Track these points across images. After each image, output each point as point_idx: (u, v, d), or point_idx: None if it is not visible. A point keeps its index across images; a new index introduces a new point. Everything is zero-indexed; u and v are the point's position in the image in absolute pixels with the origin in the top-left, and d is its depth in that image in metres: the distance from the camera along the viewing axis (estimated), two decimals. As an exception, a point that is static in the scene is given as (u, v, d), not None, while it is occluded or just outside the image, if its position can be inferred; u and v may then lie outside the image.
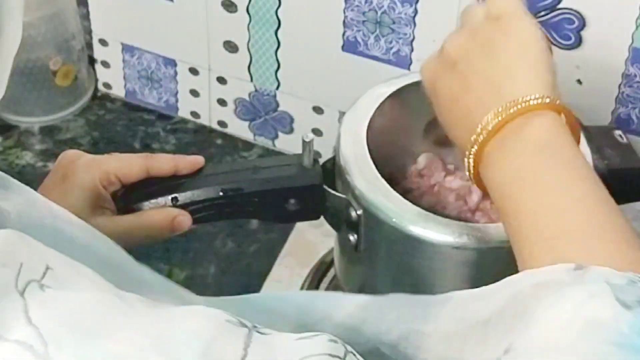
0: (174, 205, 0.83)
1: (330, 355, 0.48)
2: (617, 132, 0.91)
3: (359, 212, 0.80)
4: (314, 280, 1.02)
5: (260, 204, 0.85)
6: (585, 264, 0.57)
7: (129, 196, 0.84)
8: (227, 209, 0.84)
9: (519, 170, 0.65)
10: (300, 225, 1.12)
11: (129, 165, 0.83)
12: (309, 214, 0.86)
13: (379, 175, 0.81)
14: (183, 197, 0.83)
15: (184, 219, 0.83)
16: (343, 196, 0.82)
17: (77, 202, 0.80)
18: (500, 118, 0.66)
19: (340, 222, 0.84)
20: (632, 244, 0.60)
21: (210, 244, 1.13)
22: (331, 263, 1.02)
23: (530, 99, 0.66)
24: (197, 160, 0.85)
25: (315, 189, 0.84)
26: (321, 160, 0.86)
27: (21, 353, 0.45)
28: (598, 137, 0.87)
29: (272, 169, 0.85)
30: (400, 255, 0.82)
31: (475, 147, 0.67)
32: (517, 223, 0.64)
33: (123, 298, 0.49)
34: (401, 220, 0.78)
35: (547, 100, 0.67)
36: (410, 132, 0.91)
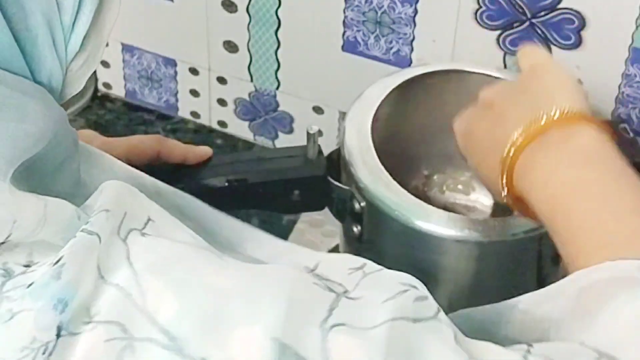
0: None
1: (393, 319, 0.49)
2: (622, 126, 0.91)
3: (363, 204, 0.81)
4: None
5: (265, 195, 0.85)
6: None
7: None
8: (231, 200, 0.85)
9: (568, 182, 0.64)
10: (300, 225, 1.12)
11: (141, 151, 0.85)
12: (313, 205, 0.87)
13: (382, 168, 0.81)
14: (189, 186, 0.83)
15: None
16: (347, 188, 0.83)
17: None
18: (541, 123, 0.66)
19: (345, 213, 0.84)
20: None
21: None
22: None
23: (571, 109, 0.66)
24: (206, 151, 0.86)
25: (319, 180, 0.84)
26: (326, 152, 0.86)
27: (120, 298, 0.48)
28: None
29: (277, 159, 0.86)
30: (403, 248, 0.82)
31: (511, 154, 0.67)
32: (570, 234, 0.63)
33: (216, 253, 0.52)
34: (404, 213, 0.79)
35: (587, 114, 0.67)
36: (415, 125, 0.92)
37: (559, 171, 0.65)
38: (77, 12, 0.52)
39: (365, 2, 1.06)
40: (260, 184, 0.84)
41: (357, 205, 0.81)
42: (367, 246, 0.85)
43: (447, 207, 0.95)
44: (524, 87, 0.71)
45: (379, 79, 0.90)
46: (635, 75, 0.99)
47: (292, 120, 1.21)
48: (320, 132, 0.85)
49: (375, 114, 0.86)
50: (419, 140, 0.93)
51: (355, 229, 0.83)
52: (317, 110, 1.18)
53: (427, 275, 0.82)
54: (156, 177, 0.83)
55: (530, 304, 0.60)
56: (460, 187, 0.97)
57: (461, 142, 0.75)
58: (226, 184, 0.84)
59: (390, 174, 0.81)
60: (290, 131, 1.22)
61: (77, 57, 0.54)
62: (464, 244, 0.78)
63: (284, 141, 1.23)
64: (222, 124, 1.26)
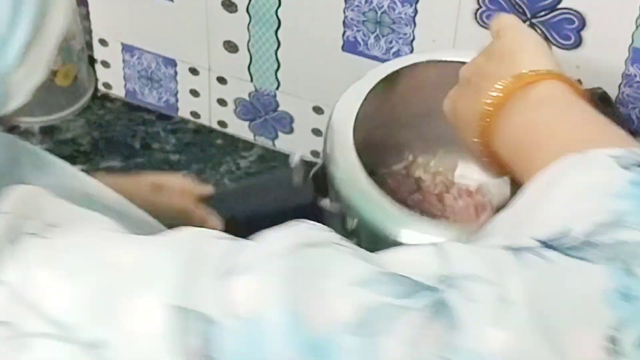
0: None
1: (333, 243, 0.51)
2: (600, 91, 0.92)
3: (355, 221, 0.80)
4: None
5: (255, 228, 0.85)
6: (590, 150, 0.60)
7: None
8: None
9: (526, 122, 0.68)
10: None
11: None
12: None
13: (371, 184, 0.80)
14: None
15: (214, 219, 0.85)
16: (337, 210, 0.82)
17: None
18: (502, 88, 0.70)
19: (337, 229, 0.84)
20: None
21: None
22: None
23: (531, 71, 0.70)
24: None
25: (309, 207, 0.84)
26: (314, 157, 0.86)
27: (7, 295, 0.47)
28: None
29: (263, 192, 0.84)
30: None
31: (482, 123, 0.71)
32: (526, 170, 0.65)
33: (122, 232, 0.51)
34: (396, 230, 0.78)
35: (549, 71, 0.70)
36: (399, 113, 0.92)
37: (517, 117, 0.69)
38: (14, 23, 0.49)
39: (365, 2, 1.06)
40: (248, 219, 0.84)
41: (350, 223, 0.81)
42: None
43: (436, 185, 0.95)
44: (491, 54, 0.76)
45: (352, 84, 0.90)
46: (635, 75, 0.99)
47: (292, 120, 1.21)
48: (302, 162, 0.84)
49: (358, 112, 0.86)
50: (402, 126, 0.94)
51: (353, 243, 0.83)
52: (317, 110, 1.18)
53: None
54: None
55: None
56: (441, 168, 0.98)
57: (450, 120, 0.78)
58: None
59: (378, 161, 0.81)
60: (290, 131, 1.22)
61: (18, 69, 0.51)
62: None
63: (284, 141, 1.23)
64: (222, 124, 1.26)
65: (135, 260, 0.48)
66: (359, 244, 0.81)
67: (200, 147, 1.25)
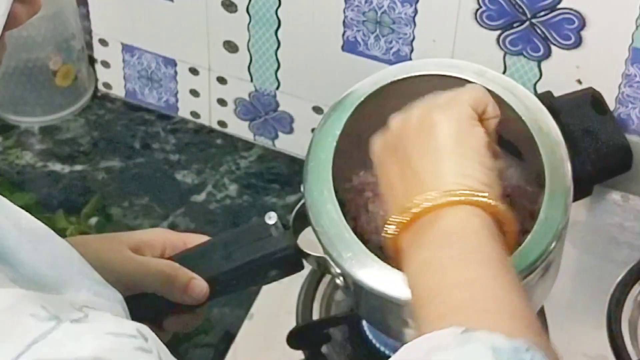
0: None
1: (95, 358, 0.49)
2: (590, 91, 0.92)
3: (338, 271, 0.80)
4: (314, 280, 1.02)
5: (241, 285, 0.85)
6: (474, 328, 0.57)
7: None
8: (210, 295, 0.84)
9: (425, 261, 0.65)
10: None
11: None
12: (293, 271, 0.86)
13: (354, 238, 0.79)
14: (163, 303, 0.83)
15: (199, 283, 0.83)
16: (320, 256, 0.81)
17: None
18: (414, 209, 0.67)
19: (324, 270, 0.83)
20: (527, 319, 0.60)
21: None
22: (331, 263, 1.02)
23: (445, 193, 0.66)
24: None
25: (292, 255, 0.83)
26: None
27: None
28: (577, 112, 0.89)
29: (244, 250, 0.84)
30: (382, 311, 0.81)
31: (394, 232, 0.68)
32: (417, 307, 0.64)
33: None
34: (380, 286, 0.77)
35: (463, 195, 0.66)
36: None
37: (418, 252, 0.66)
38: None
39: (365, 2, 1.06)
40: (232, 278, 0.84)
41: (333, 270, 0.80)
42: (351, 295, 0.83)
43: None
44: (423, 132, 0.70)
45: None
46: (635, 75, 0.99)
47: (292, 120, 1.21)
48: (278, 221, 0.84)
49: (343, 129, 0.84)
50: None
51: (338, 281, 0.82)
52: (317, 110, 1.18)
53: (406, 326, 0.82)
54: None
55: None
56: None
57: (375, 164, 0.75)
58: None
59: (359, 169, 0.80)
60: (290, 131, 1.22)
61: None
62: None
63: (284, 141, 1.23)
64: (222, 124, 1.26)
65: None
66: (346, 284, 0.81)
67: (200, 147, 1.25)
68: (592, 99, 0.97)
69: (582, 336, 0.97)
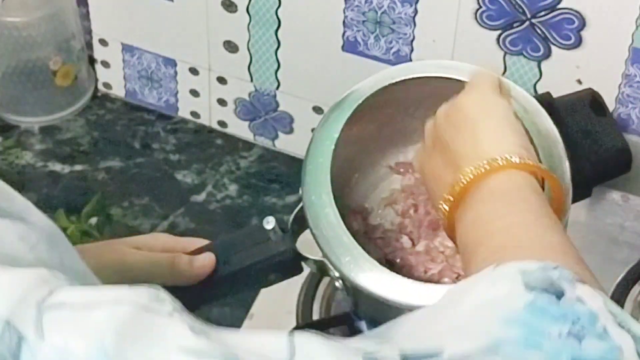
0: None
1: (116, 301, 0.50)
2: (589, 92, 0.92)
3: (337, 274, 0.80)
4: (314, 280, 1.02)
5: (240, 288, 0.85)
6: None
7: None
8: (208, 298, 0.84)
9: (479, 217, 0.68)
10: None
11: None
12: (291, 274, 0.86)
13: (352, 241, 0.79)
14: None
15: (203, 258, 0.83)
16: (319, 259, 0.81)
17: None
18: (466, 177, 0.69)
19: (323, 273, 0.83)
20: (564, 250, 0.62)
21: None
22: (331, 263, 1.02)
23: (494, 159, 0.68)
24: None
25: (291, 259, 0.83)
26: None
27: None
28: (573, 111, 0.90)
29: (243, 254, 0.84)
30: (380, 313, 0.80)
31: (447, 205, 0.70)
32: (465, 262, 0.66)
33: None
34: (378, 289, 0.77)
35: (511, 160, 0.69)
36: (369, 165, 0.91)
37: (472, 212, 0.68)
38: None
39: (365, 2, 1.06)
40: (232, 281, 0.83)
41: (332, 274, 0.80)
42: (350, 297, 0.84)
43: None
44: (452, 116, 0.73)
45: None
46: (635, 75, 0.99)
47: (292, 120, 1.21)
48: (276, 226, 0.83)
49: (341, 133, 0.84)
50: (377, 178, 0.93)
51: (337, 284, 0.82)
52: (317, 110, 1.18)
53: None
54: None
55: (418, 317, 0.61)
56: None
57: (421, 177, 0.79)
58: (199, 285, 0.83)
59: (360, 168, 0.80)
60: (290, 131, 1.22)
61: None
62: None
63: (283, 141, 1.23)
64: (222, 124, 1.26)
65: None
66: (345, 287, 0.81)
67: (200, 147, 1.25)
68: (592, 100, 0.97)
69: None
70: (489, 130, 0.71)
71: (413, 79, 0.86)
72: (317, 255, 0.81)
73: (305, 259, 0.83)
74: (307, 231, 0.82)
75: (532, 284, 0.54)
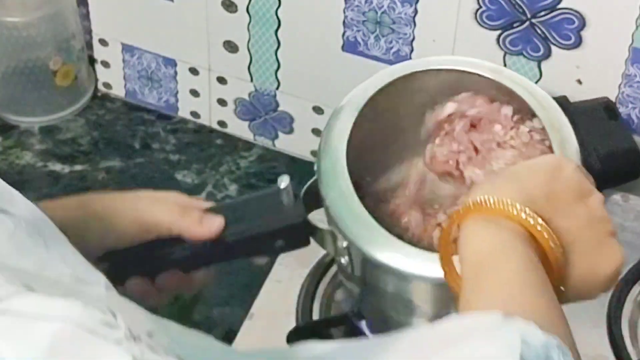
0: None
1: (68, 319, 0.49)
2: (604, 101, 0.95)
3: (345, 243, 0.80)
4: (314, 280, 1.02)
5: (247, 251, 0.85)
6: (513, 313, 0.59)
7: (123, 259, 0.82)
8: (213, 256, 0.84)
9: (479, 264, 0.68)
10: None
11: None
12: (298, 245, 0.86)
13: (363, 210, 0.80)
14: (172, 252, 0.82)
15: (214, 217, 0.82)
16: (328, 228, 0.82)
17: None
18: (466, 207, 0.69)
19: (329, 246, 0.84)
20: (549, 307, 0.63)
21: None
22: (331, 263, 1.02)
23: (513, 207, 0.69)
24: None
25: (301, 226, 0.83)
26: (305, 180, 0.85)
27: None
28: (587, 117, 0.90)
29: (254, 214, 0.83)
30: (389, 286, 0.82)
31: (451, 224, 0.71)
32: (464, 298, 0.67)
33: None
34: (385, 257, 0.78)
35: (525, 215, 0.69)
36: (388, 141, 0.92)
37: (484, 238, 0.69)
38: None
39: (365, 2, 1.06)
40: (240, 242, 0.83)
41: (340, 244, 0.81)
42: (355, 276, 0.84)
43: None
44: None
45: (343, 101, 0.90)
46: (635, 75, 0.99)
47: (292, 120, 1.21)
48: (290, 186, 0.84)
49: (351, 132, 0.85)
50: (394, 159, 0.93)
51: (343, 261, 0.83)
52: (317, 110, 1.18)
53: (410, 312, 0.82)
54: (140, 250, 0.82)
55: (414, 339, 0.62)
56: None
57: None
58: (207, 244, 0.82)
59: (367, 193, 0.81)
60: (290, 131, 1.22)
61: None
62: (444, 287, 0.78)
63: (283, 141, 1.23)
64: (222, 124, 1.26)
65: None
66: (351, 262, 0.82)
67: (200, 147, 1.25)
68: (605, 106, 0.98)
69: (582, 336, 0.97)
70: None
71: (423, 72, 0.89)
72: (326, 227, 0.82)
73: (315, 228, 0.83)
74: (316, 212, 0.84)
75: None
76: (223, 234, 0.82)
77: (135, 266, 0.81)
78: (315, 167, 0.85)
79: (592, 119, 0.95)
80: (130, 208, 0.81)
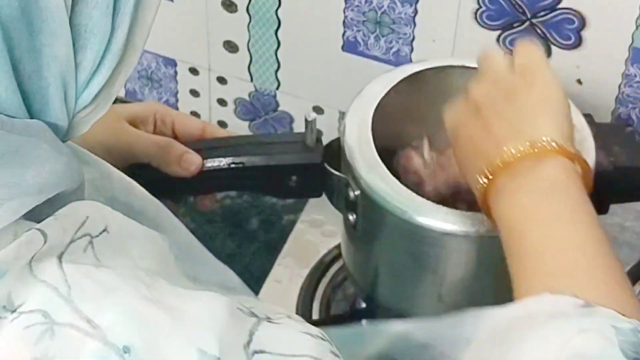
0: None
1: (312, 357, 0.50)
2: (629, 129, 0.93)
3: (357, 192, 0.81)
4: (314, 280, 1.02)
5: (262, 179, 0.88)
6: (593, 302, 0.58)
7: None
8: (231, 181, 0.88)
9: (527, 207, 0.67)
10: (300, 226, 1.12)
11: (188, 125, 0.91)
12: (310, 191, 0.89)
13: (379, 160, 0.82)
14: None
15: (192, 157, 0.86)
16: (342, 176, 0.83)
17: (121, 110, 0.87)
18: (514, 152, 0.69)
19: (340, 200, 0.85)
20: (624, 288, 0.62)
21: (210, 244, 1.12)
22: (331, 263, 1.02)
23: (547, 142, 0.69)
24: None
25: (316, 168, 0.86)
26: (328, 139, 0.88)
27: (46, 292, 0.48)
28: (609, 134, 0.89)
29: (275, 145, 0.88)
30: (396, 238, 0.82)
31: (486, 179, 0.70)
32: (518, 257, 0.66)
33: (151, 279, 0.52)
34: (397, 205, 0.80)
35: (563, 146, 0.69)
36: (416, 119, 0.92)
37: (519, 196, 0.68)
38: (95, 72, 0.52)
39: (365, 2, 1.06)
40: (257, 167, 0.87)
41: (351, 194, 0.82)
42: (360, 234, 0.85)
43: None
44: (512, 94, 0.73)
45: (380, 75, 0.91)
46: (635, 75, 0.99)
47: (292, 120, 1.21)
48: (315, 122, 0.87)
49: (376, 108, 0.86)
50: (419, 132, 0.94)
51: (350, 217, 0.84)
52: (317, 110, 1.18)
53: (418, 265, 0.83)
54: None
55: (492, 322, 0.62)
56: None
57: (450, 134, 0.78)
58: (226, 166, 0.87)
59: (388, 167, 0.82)
60: (290, 131, 1.22)
61: (86, 107, 0.54)
62: (455, 238, 0.78)
63: (284, 141, 1.23)
64: (222, 124, 1.26)
65: (166, 304, 0.50)
66: (357, 216, 0.82)
67: (200, 147, 1.25)
68: (629, 128, 0.98)
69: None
70: (547, 120, 0.71)
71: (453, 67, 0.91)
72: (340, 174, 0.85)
73: (330, 174, 0.85)
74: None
75: (627, 350, 0.54)
76: (244, 158, 0.87)
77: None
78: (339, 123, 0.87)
79: (616, 134, 0.95)
80: (107, 139, 0.84)
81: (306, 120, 0.86)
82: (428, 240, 0.80)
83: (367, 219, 0.83)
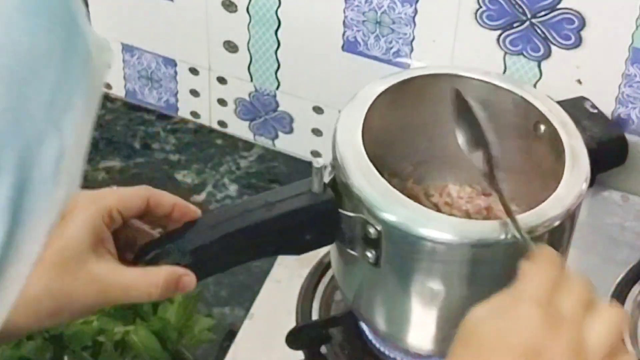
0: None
1: None
2: (588, 103, 0.98)
3: (379, 227, 0.80)
4: (314, 280, 1.02)
5: (278, 241, 0.84)
6: None
7: (144, 252, 0.80)
8: (245, 251, 0.83)
9: None
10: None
11: (130, 197, 0.79)
12: (325, 241, 0.86)
13: (388, 185, 0.80)
14: (197, 245, 0.80)
15: (190, 280, 0.79)
16: (359, 215, 0.81)
17: (77, 238, 0.75)
18: None
19: (356, 240, 0.83)
20: None
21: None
22: (331, 263, 1.02)
23: None
24: (195, 210, 0.82)
25: (331, 215, 0.83)
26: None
27: None
28: (573, 110, 0.90)
29: (285, 202, 0.82)
30: (425, 262, 0.81)
31: None
32: None
33: None
34: (423, 230, 0.78)
35: None
36: (406, 129, 0.92)
37: None
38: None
39: (365, 2, 1.06)
40: (272, 231, 0.82)
41: (372, 230, 0.80)
42: (386, 270, 0.83)
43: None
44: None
45: (371, 81, 0.90)
46: (635, 75, 0.99)
47: (292, 120, 1.21)
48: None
49: (364, 125, 0.85)
50: (406, 139, 0.94)
51: (369, 254, 0.82)
52: (317, 110, 1.18)
53: (450, 285, 0.82)
54: (168, 248, 0.79)
55: None
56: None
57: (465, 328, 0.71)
58: (238, 235, 0.81)
59: (381, 172, 0.81)
60: (290, 131, 1.22)
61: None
62: (480, 248, 0.78)
63: (283, 141, 1.23)
64: (222, 124, 1.26)
65: None
66: (380, 253, 0.81)
67: (200, 147, 1.25)
68: (586, 102, 1.00)
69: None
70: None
71: (424, 76, 0.89)
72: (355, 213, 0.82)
73: (344, 217, 0.82)
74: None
75: None
76: (256, 223, 0.81)
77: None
78: (330, 163, 0.84)
79: (579, 109, 0.99)
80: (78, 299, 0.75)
81: (314, 167, 0.81)
82: (455, 256, 0.79)
83: (392, 251, 0.81)
